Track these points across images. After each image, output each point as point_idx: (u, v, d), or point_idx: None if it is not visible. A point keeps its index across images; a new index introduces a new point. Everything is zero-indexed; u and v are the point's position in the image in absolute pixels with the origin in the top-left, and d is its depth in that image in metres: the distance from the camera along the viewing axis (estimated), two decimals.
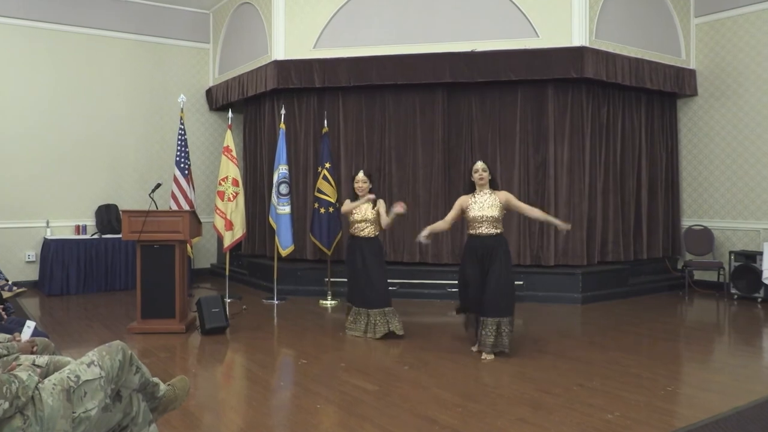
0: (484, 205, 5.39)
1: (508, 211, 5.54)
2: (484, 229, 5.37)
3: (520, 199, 8.13)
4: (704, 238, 9.04)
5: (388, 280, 6.29)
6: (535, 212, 5.55)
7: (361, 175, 6.27)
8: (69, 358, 2.78)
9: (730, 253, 8.55)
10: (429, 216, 8.43)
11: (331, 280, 8.10)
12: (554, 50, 7.89)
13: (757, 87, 8.71)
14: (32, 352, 3.02)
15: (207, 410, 4.07)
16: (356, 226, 6.20)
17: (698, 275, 9.08)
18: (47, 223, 9.23)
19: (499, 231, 5.39)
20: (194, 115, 10.65)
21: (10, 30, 9.11)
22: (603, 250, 8.60)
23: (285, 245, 8.02)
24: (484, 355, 5.27)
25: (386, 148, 8.67)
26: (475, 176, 5.45)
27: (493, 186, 5.53)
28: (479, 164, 5.50)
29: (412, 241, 8.48)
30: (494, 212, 5.37)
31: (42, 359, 2.69)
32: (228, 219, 8.12)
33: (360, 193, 6.22)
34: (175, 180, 8.32)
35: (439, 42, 8.18)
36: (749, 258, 8.27)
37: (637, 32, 8.62)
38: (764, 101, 8.65)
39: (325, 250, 8.01)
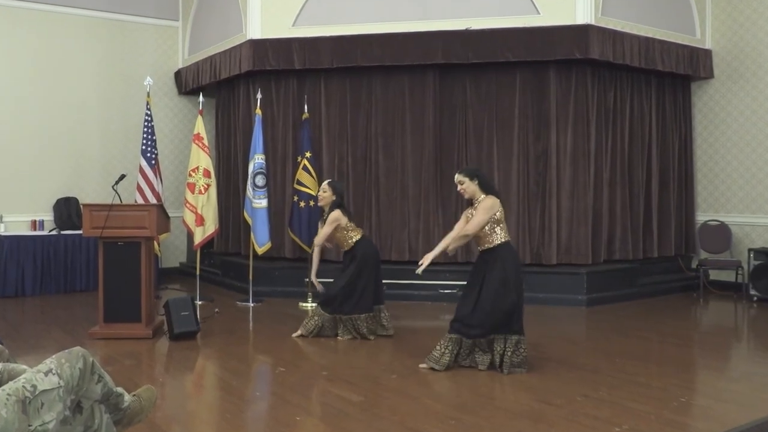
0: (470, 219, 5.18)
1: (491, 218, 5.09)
2: (476, 245, 5.27)
3: (518, 193, 8.27)
4: (721, 234, 9.11)
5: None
6: (452, 236, 5.15)
7: (324, 184, 6.55)
8: (24, 366, 2.78)
9: (749, 250, 8.61)
10: (419, 209, 8.46)
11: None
12: (556, 28, 7.91)
13: None
14: None
15: (175, 423, 4.07)
16: None
17: (714, 275, 9.13)
18: (0, 218, 9.16)
19: (485, 247, 5.13)
20: (162, 99, 10.59)
21: None
22: (610, 247, 8.66)
23: (261, 242, 8.01)
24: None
25: (372, 135, 8.67)
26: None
27: (487, 190, 5.15)
28: (455, 177, 5.24)
29: (400, 237, 8.52)
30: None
31: None
32: (199, 213, 8.10)
33: (320, 203, 6.51)
34: (141, 171, 8.30)
35: (430, 19, 8.18)
36: None
37: (648, 9, 8.65)
38: None
39: (306, 247, 8.01)
